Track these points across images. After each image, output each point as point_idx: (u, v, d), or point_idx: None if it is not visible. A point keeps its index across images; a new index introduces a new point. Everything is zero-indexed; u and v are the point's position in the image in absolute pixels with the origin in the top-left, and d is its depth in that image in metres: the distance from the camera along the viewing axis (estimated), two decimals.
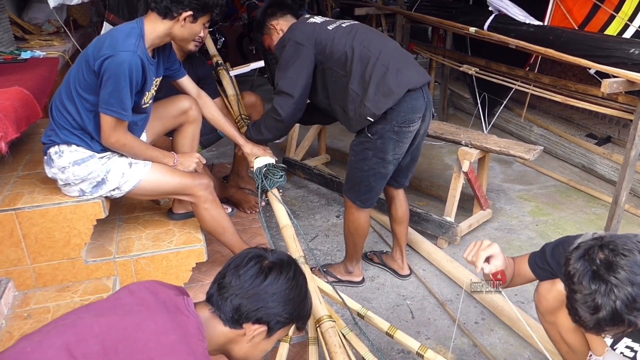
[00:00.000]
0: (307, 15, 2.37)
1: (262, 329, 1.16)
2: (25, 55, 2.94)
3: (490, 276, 1.51)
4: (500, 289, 1.57)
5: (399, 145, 2.18)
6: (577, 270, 1.03)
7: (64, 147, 1.87)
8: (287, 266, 1.20)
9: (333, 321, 1.71)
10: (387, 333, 1.84)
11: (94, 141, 1.88)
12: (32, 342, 0.97)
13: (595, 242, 1.07)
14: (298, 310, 1.21)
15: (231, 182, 3.13)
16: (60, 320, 1.05)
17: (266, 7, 2.40)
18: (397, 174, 2.38)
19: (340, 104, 2.21)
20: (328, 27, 2.22)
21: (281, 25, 2.35)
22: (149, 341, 0.98)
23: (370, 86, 2.07)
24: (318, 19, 2.30)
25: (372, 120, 2.10)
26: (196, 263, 2.18)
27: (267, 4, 2.42)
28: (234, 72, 3.08)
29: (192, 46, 2.43)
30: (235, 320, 1.15)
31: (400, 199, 2.53)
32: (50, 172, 1.93)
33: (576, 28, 3.45)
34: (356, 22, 2.33)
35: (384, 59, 2.10)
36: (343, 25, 2.24)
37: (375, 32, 2.34)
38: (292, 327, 1.30)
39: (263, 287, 1.14)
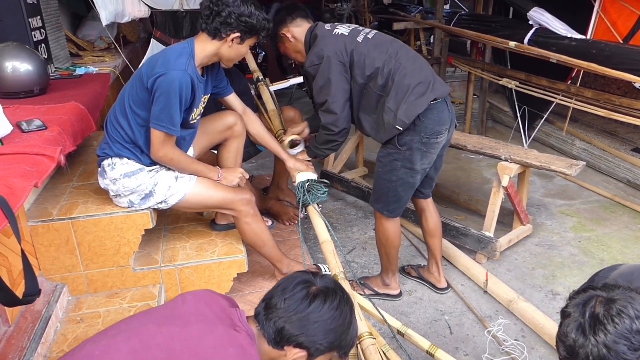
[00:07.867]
0: (328, 25, 2.32)
1: (302, 353, 1.19)
2: (80, 71, 3.10)
3: None
4: None
5: (427, 156, 2.22)
6: (571, 315, 1.12)
7: (116, 160, 1.97)
8: (333, 294, 1.22)
9: (374, 338, 1.73)
10: (427, 352, 1.84)
11: (144, 155, 1.98)
12: (99, 345, 1.05)
13: (599, 294, 1.11)
14: (339, 340, 1.22)
15: (271, 194, 3.20)
16: (123, 325, 1.12)
17: (273, 15, 2.35)
18: (421, 185, 2.39)
19: (370, 115, 2.26)
20: (357, 40, 2.22)
21: (292, 31, 2.33)
22: (210, 355, 1.04)
23: (403, 98, 2.12)
24: (343, 29, 2.27)
25: (401, 129, 2.14)
26: (237, 273, 2.24)
27: (274, 11, 2.39)
28: (274, 87, 3.16)
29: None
30: (277, 341, 1.18)
31: (431, 210, 2.53)
32: (103, 183, 2.03)
33: (620, 41, 3.39)
34: (375, 30, 2.35)
35: (412, 71, 2.16)
36: (369, 36, 2.26)
37: (396, 41, 2.34)
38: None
39: (306, 314, 1.17)
